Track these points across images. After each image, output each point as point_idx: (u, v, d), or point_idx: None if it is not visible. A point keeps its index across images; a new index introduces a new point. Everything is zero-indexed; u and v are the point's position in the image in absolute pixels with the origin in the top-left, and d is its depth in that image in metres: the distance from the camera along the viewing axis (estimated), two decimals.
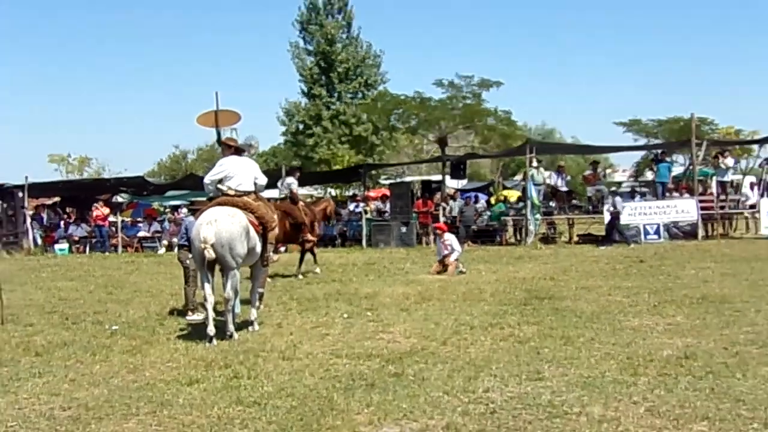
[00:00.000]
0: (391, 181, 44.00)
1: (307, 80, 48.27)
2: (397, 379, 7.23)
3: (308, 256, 17.68)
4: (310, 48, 48.90)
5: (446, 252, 16.82)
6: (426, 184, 34.92)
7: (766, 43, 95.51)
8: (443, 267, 16.56)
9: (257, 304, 10.77)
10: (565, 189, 27.35)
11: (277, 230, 10.90)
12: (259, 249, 10.15)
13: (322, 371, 7.67)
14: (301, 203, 18.16)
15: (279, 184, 20.54)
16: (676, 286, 12.97)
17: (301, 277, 16.81)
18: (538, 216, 25.60)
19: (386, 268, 18.37)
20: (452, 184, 34.01)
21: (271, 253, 10.82)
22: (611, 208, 23.55)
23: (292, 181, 18.68)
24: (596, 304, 11.37)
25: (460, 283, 14.55)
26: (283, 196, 19.02)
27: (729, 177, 26.48)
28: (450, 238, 17.25)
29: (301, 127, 48.41)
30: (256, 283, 10.74)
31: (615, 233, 23.29)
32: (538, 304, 11.44)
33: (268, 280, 13.48)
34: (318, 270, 17.57)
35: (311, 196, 34.47)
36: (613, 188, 25.90)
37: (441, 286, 14.03)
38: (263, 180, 10.61)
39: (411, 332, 9.58)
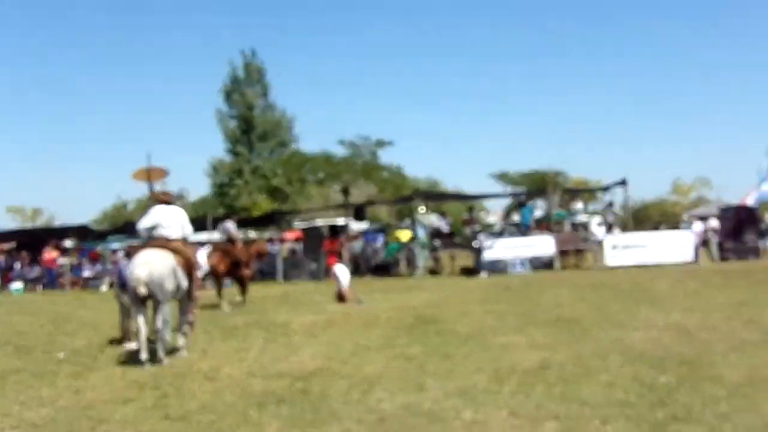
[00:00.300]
0: (304, 224, 43.92)
1: (231, 140, 48.01)
2: (303, 395, 7.19)
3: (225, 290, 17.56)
4: (233, 113, 48.68)
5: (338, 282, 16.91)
6: (333, 227, 34.90)
7: (605, 105, 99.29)
8: (341, 297, 16.60)
9: (185, 332, 10.55)
10: (447, 230, 27.79)
11: (200, 271, 10.77)
12: (185, 286, 9.99)
13: (240, 390, 7.56)
14: (239, 243, 18.21)
15: (219, 227, 20.44)
16: (536, 310, 13.24)
17: (227, 309, 16.51)
18: (425, 252, 25.90)
19: (298, 300, 18.19)
20: (355, 226, 34.13)
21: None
22: (476, 244, 24.14)
23: (230, 225, 18.79)
24: (472, 326, 11.51)
25: (360, 311, 14.54)
26: (223, 238, 18.92)
27: (579, 218, 27.38)
28: (338, 269, 17.29)
29: (226, 180, 48.01)
30: (183, 316, 10.53)
31: (479, 264, 23.86)
32: (424, 328, 11.51)
33: (196, 311, 13.18)
34: (239, 299, 17.40)
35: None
36: (477, 228, 26.36)
37: (344, 314, 13.97)
38: (189, 228, 10.49)
39: (317, 354, 9.52)
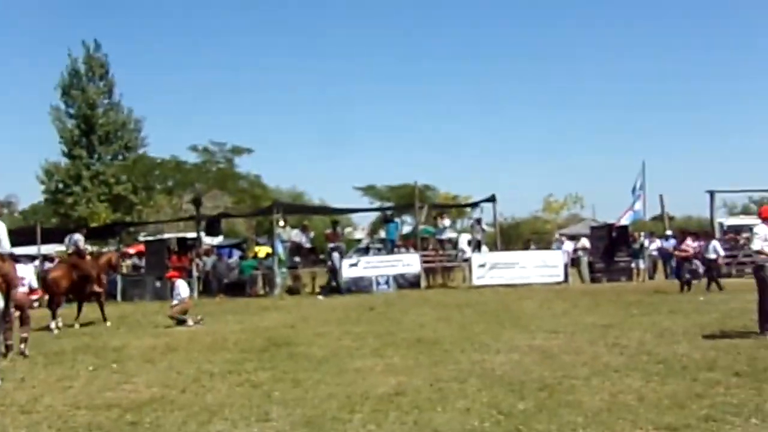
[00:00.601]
0: (151, 237, 42.67)
1: (68, 142, 45.89)
2: (133, 427, 6.94)
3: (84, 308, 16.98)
4: (72, 112, 46.60)
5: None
6: (182, 241, 34.07)
7: (479, 119, 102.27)
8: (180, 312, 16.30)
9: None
10: (309, 246, 27.74)
11: (20, 289, 10.24)
12: (1, 305, 9.46)
13: (61, 423, 7.21)
14: (87, 257, 17.93)
15: (66, 239, 19.98)
16: (397, 330, 13.42)
17: (56, 331, 15.75)
18: (284, 270, 25.77)
19: (138, 321, 17.65)
20: (209, 240, 33.48)
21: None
22: (329, 263, 24.37)
23: (79, 237, 18.56)
24: (327, 348, 11.52)
25: (207, 333, 14.22)
26: (70, 251, 18.46)
27: (447, 235, 28.05)
28: (179, 285, 16.93)
29: (60, 186, 45.85)
30: None
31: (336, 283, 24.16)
32: (275, 351, 11.42)
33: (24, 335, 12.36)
34: (108, 323, 16.85)
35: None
36: (333, 245, 26.53)
37: (188, 337, 13.65)
38: (7, 244, 9.99)
39: (153, 382, 9.22)
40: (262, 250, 32.56)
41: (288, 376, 9.12)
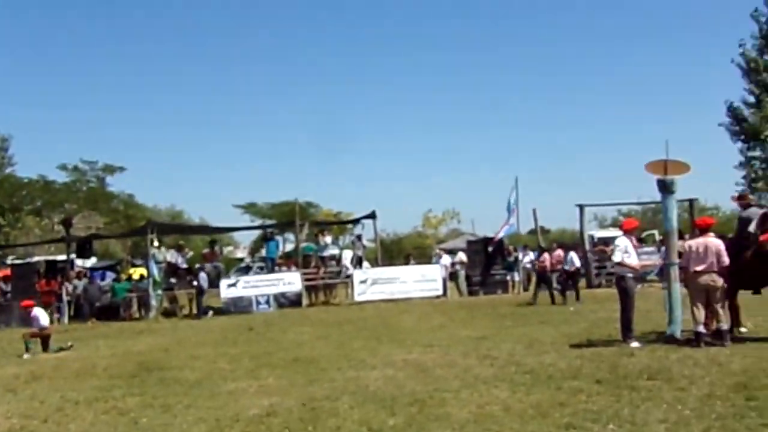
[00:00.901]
0: (17, 261, 40.76)
1: None
2: None
3: None
4: None
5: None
6: (51, 264, 32.70)
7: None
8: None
9: None
10: (185, 266, 27.15)
11: None
12: None
13: None
14: None
15: None
16: (275, 350, 13.35)
17: None
18: (159, 291, 25.18)
19: (2, 349, 16.90)
20: (80, 263, 32.29)
21: None
22: (195, 283, 24.06)
23: None
24: (201, 371, 11.33)
25: (75, 360, 13.76)
26: None
27: (329, 252, 28.06)
28: (37, 313, 16.32)
29: None
30: None
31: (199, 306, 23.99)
32: (146, 376, 11.15)
33: None
34: None
35: None
36: (199, 266, 26.11)
37: (55, 365, 13.16)
38: None
39: (13, 412, 8.85)
40: (137, 272, 31.68)
41: (157, 402, 8.92)
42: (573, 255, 21.89)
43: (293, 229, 31.45)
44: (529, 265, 28.06)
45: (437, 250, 32.64)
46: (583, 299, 20.51)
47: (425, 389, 8.72)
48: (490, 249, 28.56)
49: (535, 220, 30.66)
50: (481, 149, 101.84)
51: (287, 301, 25.25)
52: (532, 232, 34.66)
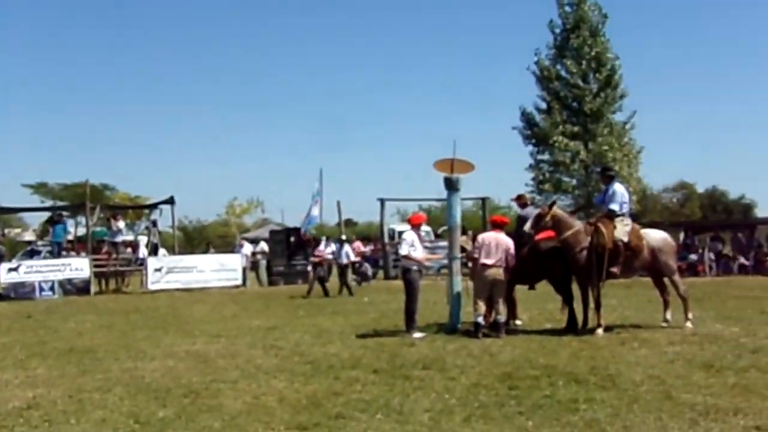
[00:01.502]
0: None
1: None
2: None
3: None
4: None
5: None
6: None
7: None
8: None
9: None
10: None
11: None
12: None
13: None
14: None
15: None
16: (51, 340, 12.72)
17: None
18: None
19: None
20: None
21: None
22: None
23: None
24: None
25: None
26: None
27: (122, 238, 27.10)
28: None
29: None
30: None
31: None
32: None
33: None
34: None
35: None
36: None
37: None
38: None
39: None
40: None
41: None
42: (347, 249, 22.54)
43: (84, 211, 30.11)
44: (330, 256, 28.41)
45: (240, 240, 32.42)
46: (354, 294, 21.34)
47: (202, 380, 8.62)
48: (292, 239, 28.68)
49: (339, 212, 31.15)
50: (287, 139, 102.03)
51: (74, 288, 24.15)
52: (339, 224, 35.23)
